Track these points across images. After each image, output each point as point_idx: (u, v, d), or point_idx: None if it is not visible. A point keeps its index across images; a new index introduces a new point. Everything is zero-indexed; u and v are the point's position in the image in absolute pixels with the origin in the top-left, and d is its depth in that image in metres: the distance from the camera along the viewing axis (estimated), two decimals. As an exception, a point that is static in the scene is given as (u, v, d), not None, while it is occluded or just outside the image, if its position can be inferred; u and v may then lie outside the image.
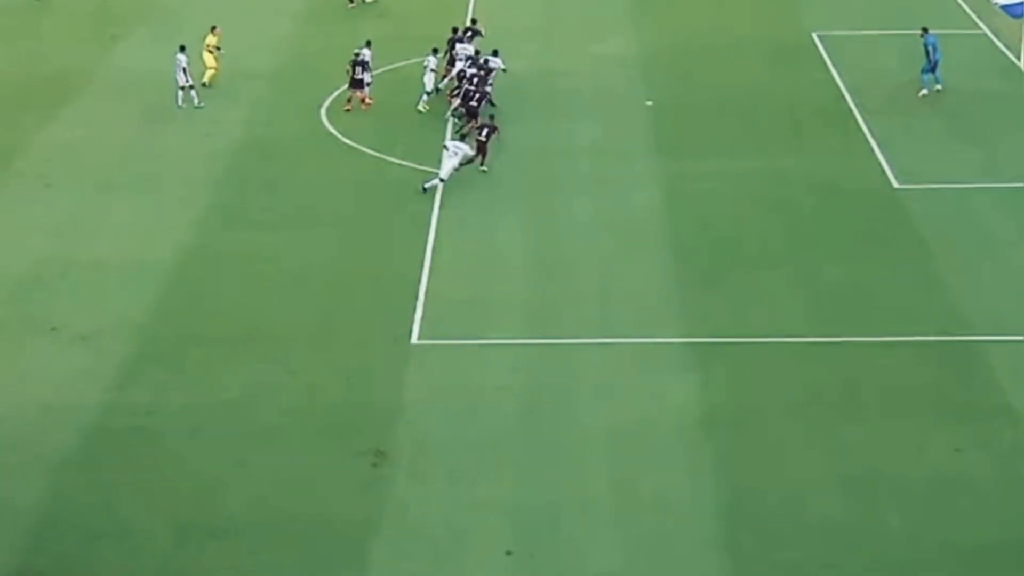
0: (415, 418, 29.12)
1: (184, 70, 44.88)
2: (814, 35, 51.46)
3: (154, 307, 33.49)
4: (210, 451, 28.15)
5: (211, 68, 46.81)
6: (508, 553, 25.01)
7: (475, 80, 43.35)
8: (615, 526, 25.70)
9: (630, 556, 24.97)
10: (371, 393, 30.02)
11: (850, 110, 44.73)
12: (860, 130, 43.23)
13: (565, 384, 30.20)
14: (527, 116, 44.76)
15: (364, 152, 42.26)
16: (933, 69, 45.02)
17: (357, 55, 44.63)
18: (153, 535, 25.64)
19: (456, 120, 43.42)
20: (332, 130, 43.86)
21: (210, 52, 46.79)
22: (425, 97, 44.91)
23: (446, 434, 28.57)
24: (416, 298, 33.68)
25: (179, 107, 45.05)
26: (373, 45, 45.50)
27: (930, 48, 44.88)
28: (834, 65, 48.59)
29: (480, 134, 40.80)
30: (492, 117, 41.98)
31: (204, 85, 46.33)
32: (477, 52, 45.41)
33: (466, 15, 53.21)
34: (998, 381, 29.87)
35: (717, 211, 38.18)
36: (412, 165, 41.20)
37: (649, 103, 45.34)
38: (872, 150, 41.74)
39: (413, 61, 47.22)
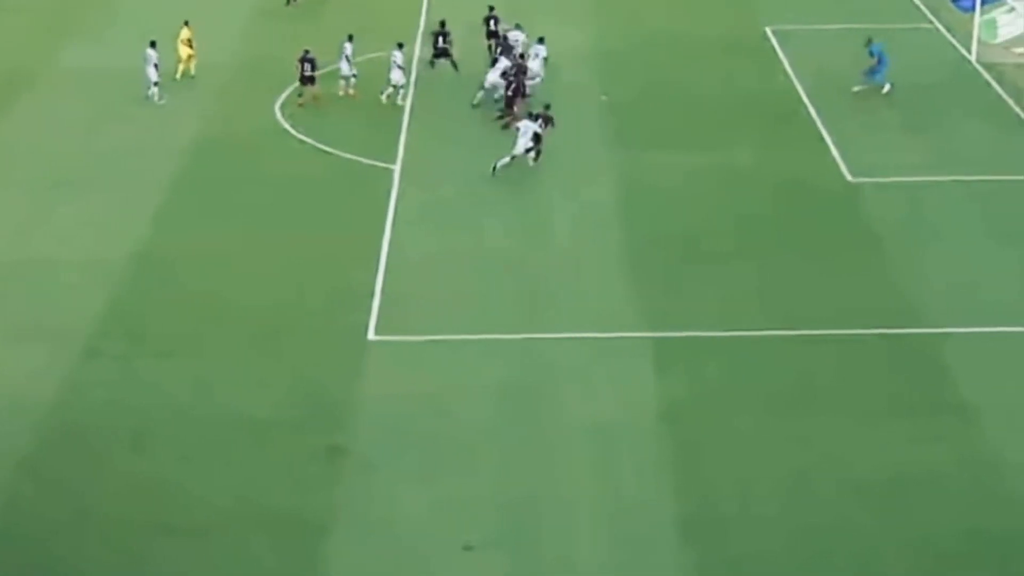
0: (372, 414, 29.04)
1: (155, 66, 44.76)
2: (768, 30, 51.67)
3: (108, 305, 33.27)
4: (166, 449, 27.98)
5: (186, 61, 46.96)
6: (467, 548, 24.98)
7: (513, 71, 43.29)
8: (574, 520, 25.70)
9: (590, 549, 24.98)
10: (328, 389, 29.93)
11: (804, 104, 44.94)
12: (814, 124, 43.43)
13: (522, 379, 30.19)
14: (481, 110, 44.71)
15: (319, 148, 42.13)
16: (875, 72, 45.06)
17: (307, 52, 44.56)
18: (106, 534, 25.46)
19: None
20: (287, 126, 43.71)
21: (184, 45, 46.85)
22: (389, 90, 44.87)
23: (403, 430, 28.49)
24: (372, 294, 33.60)
25: (158, 103, 44.88)
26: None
27: (877, 55, 44.93)
28: (788, 60, 48.79)
29: (535, 122, 40.16)
30: (548, 107, 41.00)
31: (188, 77, 46.51)
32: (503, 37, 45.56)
33: (421, 11, 53.17)
34: (952, 374, 30.03)
35: (673, 206, 38.25)
36: (367, 160, 41.12)
37: (604, 98, 45.39)
38: (826, 144, 41.93)
39: (367, 57, 47.03)
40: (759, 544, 24.97)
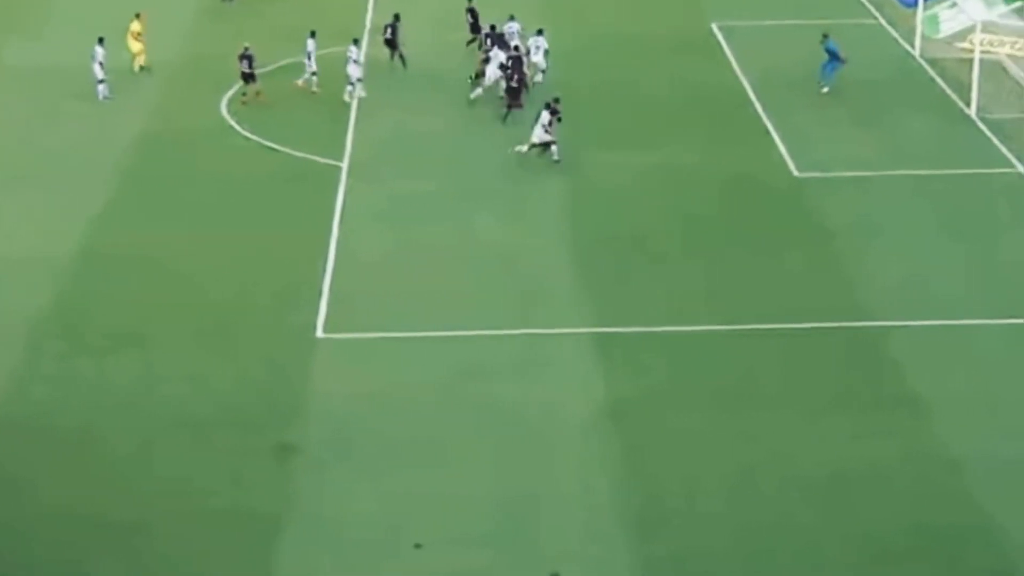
0: (320, 412, 28.92)
1: (100, 64, 44.43)
2: (714, 26, 51.81)
3: (52, 303, 33.01)
4: (111, 447, 27.77)
5: (138, 54, 46.81)
6: (417, 546, 24.89)
7: (510, 63, 43.31)
8: (521, 516, 25.66)
9: (535, 545, 24.93)
10: (277, 388, 29.77)
11: (750, 100, 45.10)
12: (760, 120, 43.60)
13: (470, 376, 30.12)
14: (430, 107, 44.64)
15: (265, 145, 41.91)
16: (829, 69, 45.22)
17: (246, 49, 44.42)
18: (53, 530, 25.25)
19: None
20: (232, 123, 43.47)
21: (135, 39, 46.57)
22: (350, 88, 44.76)
23: (352, 427, 28.39)
24: (321, 292, 33.46)
25: (101, 100, 44.59)
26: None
27: (832, 51, 45.07)
28: (734, 56, 48.95)
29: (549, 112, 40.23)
30: (557, 100, 40.64)
31: (144, 70, 46.67)
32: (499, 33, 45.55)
33: (367, 10, 52.98)
34: (899, 367, 30.19)
35: (621, 203, 38.28)
36: (314, 157, 40.94)
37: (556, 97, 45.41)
38: (772, 140, 42.10)
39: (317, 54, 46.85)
40: (704, 540, 24.97)
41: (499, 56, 44.21)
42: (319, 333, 31.78)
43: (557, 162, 39.83)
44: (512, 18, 46.79)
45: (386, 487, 26.50)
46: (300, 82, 45.46)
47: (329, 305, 32.87)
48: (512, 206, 38.23)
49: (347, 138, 42.46)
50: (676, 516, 25.63)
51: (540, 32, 46.19)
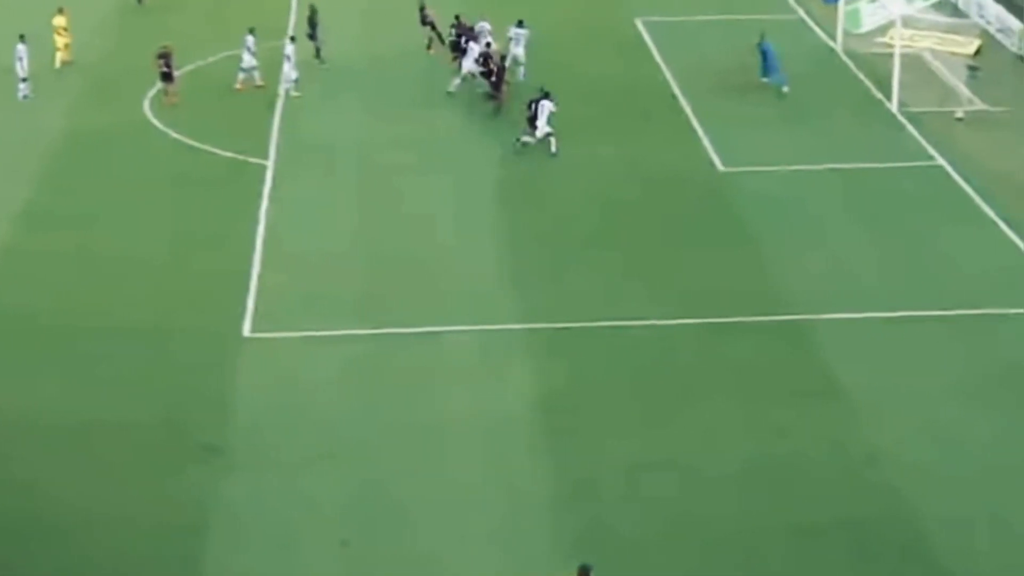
0: (248, 412, 28.79)
1: (21, 61, 44.01)
2: (638, 21, 52.05)
3: (-26, 305, 32.70)
4: (32, 450, 27.49)
5: (62, 49, 46.50)
6: (344, 544, 24.88)
7: (482, 58, 43.82)
8: (452, 513, 25.70)
9: (467, 541, 24.99)
10: (203, 388, 29.62)
11: (675, 95, 45.36)
12: (685, 115, 43.85)
13: (401, 374, 30.10)
14: (360, 104, 44.56)
15: (189, 144, 41.66)
16: (768, 71, 45.51)
17: (164, 48, 44.30)
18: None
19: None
20: (156, 122, 43.19)
21: (59, 34, 46.23)
22: (291, 85, 44.67)
23: (280, 427, 28.30)
24: (247, 291, 33.32)
25: (23, 99, 44.25)
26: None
27: (766, 53, 45.33)
28: (659, 51, 49.20)
29: (529, 110, 40.70)
30: (544, 92, 41.22)
31: (67, 64, 46.37)
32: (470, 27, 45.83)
33: (291, 7, 52.76)
34: (821, 359, 30.46)
35: (547, 198, 38.41)
36: (239, 156, 40.75)
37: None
38: (697, 134, 42.36)
39: (231, 54, 46.64)
40: (635, 530, 25.10)
41: (475, 48, 44.45)
42: (246, 333, 31.66)
43: (554, 155, 40.18)
44: (483, 19, 46.45)
45: (313, 486, 26.43)
46: (239, 84, 45.16)
47: (256, 305, 32.74)
48: (438, 201, 38.24)
49: (272, 136, 42.29)
50: (607, 507, 25.74)
51: (521, 23, 46.14)
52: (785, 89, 44.89)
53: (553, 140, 40.49)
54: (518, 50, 45.84)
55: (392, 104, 44.66)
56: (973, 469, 26.65)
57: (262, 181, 39.19)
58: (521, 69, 45.80)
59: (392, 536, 25.09)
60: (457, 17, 46.32)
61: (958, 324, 31.67)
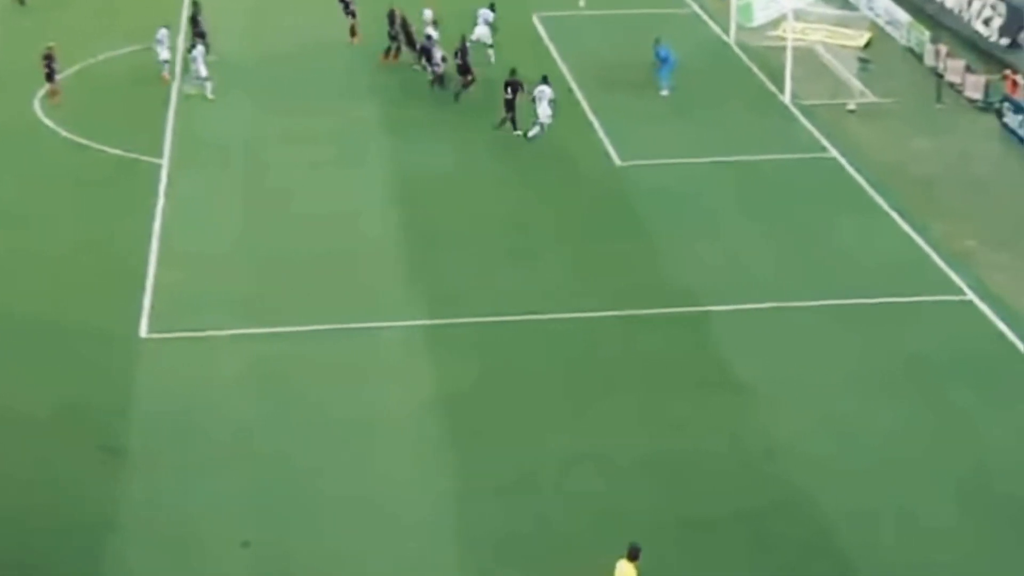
0: (146, 413, 28.49)
1: None
2: (535, 17, 52.15)
3: None
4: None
5: None
6: (244, 544, 24.70)
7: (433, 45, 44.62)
8: (353, 512, 25.60)
9: (368, 541, 24.91)
10: (100, 389, 29.26)
11: (571, 90, 45.50)
12: (582, 110, 44.02)
13: (301, 373, 29.94)
14: (254, 102, 44.25)
15: (82, 143, 41.11)
16: (665, 71, 45.75)
17: (48, 49, 43.79)
18: None
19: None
20: (47, 121, 42.57)
21: None
22: (207, 85, 44.31)
23: (179, 428, 28.04)
24: (144, 291, 32.95)
25: None
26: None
27: (661, 56, 45.52)
28: (555, 46, 49.33)
29: (506, 92, 41.07)
30: (514, 72, 41.61)
31: None
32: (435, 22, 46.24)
33: (182, 7, 52.28)
34: (721, 351, 30.70)
35: (443, 194, 38.36)
36: (132, 155, 40.28)
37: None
38: (594, 129, 42.54)
39: (122, 52, 46.12)
40: (533, 524, 25.13)
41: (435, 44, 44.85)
42: (143, 333, 31.32)
43: (529, 139, 40.83)
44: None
45: (213, 486, 26.21)
46: (165, 74, 45.06)
47: (152, 305, 32.40)
48: (338, 197, 38.06)
49: (167, 135, 41.86)
50: (507, 501, 25.75)
51: (492, 6, 46.77)
52: (664, 93, 45.06)
53: (538, 128, 41.03)
54: (480, 30, 46.43)
55: (291, 99, 44.36)
56: (873, 461, 26.85)
57: (157, 179, 38.78)
58: (491, 51, 46.35)
59: (297, 535, 24.95)
60: (403, 19, 46.49)
61: (854, 315, 32.06)
